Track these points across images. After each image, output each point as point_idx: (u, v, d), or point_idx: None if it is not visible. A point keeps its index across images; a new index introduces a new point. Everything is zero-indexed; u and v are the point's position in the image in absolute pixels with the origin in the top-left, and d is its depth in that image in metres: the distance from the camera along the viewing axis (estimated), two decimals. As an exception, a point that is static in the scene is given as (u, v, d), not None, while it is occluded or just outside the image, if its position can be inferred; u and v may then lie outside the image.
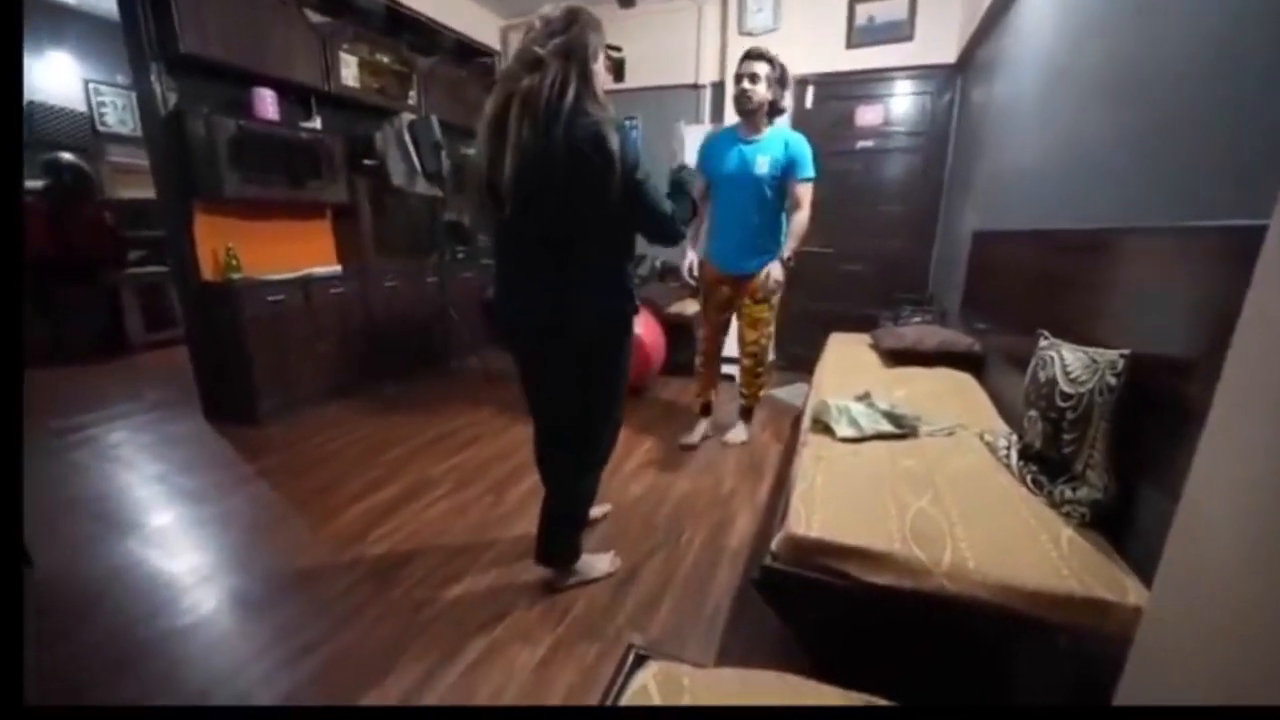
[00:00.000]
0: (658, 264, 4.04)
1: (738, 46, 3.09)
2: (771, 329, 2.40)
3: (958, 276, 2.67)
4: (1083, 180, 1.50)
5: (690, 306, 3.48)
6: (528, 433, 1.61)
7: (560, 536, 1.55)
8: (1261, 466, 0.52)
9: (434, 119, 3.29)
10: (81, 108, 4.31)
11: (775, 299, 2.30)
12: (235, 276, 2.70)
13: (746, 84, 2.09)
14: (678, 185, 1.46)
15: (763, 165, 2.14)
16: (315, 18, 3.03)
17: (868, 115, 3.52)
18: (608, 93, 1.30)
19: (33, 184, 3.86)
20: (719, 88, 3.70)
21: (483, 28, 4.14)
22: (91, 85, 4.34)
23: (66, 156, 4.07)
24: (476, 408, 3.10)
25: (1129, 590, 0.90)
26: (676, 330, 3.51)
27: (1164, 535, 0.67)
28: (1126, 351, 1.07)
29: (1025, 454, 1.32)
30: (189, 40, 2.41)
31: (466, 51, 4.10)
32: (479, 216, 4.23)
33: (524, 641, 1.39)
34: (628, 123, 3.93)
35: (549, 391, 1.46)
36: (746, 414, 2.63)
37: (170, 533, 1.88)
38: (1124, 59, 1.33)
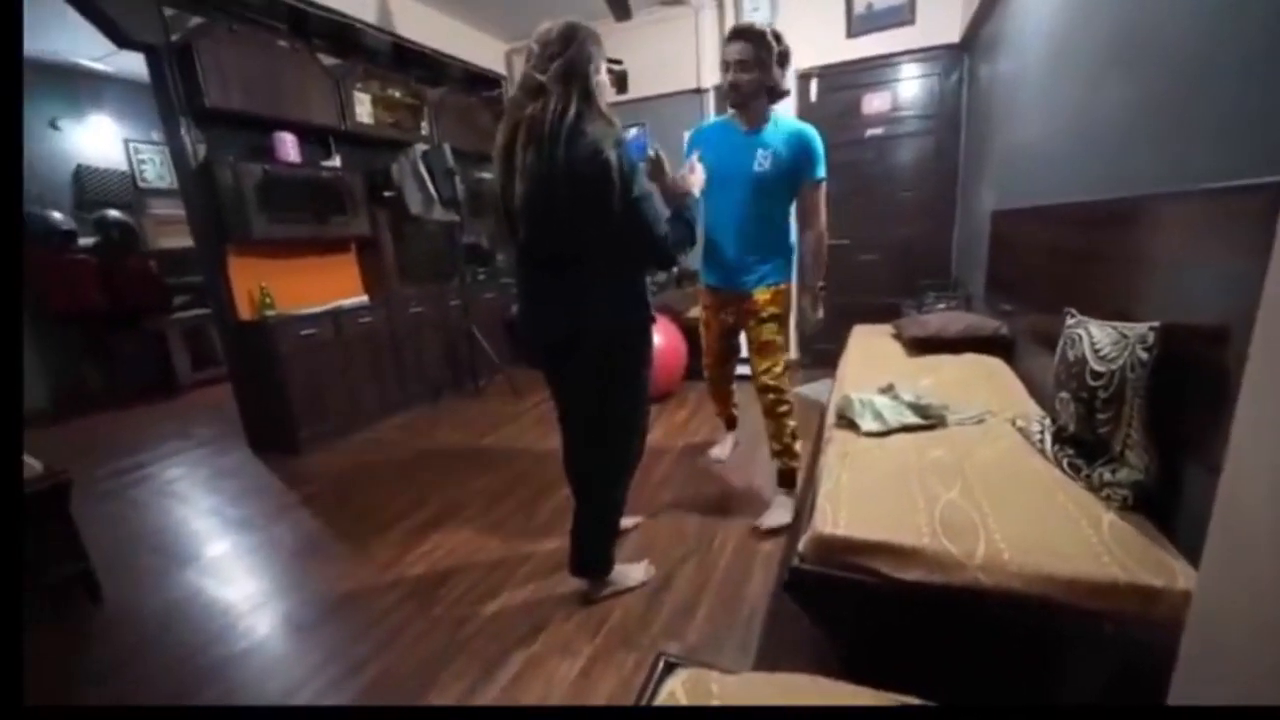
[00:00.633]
0: (674, 270, 4.05)
1: (737, 47, 3.09)
2: (787, 355, 1.98)
3: (980, 259, 2.60)
4: (1099, 150, 1.44)
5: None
6: (556, 447, 1.64)
7: (593, 547, 1.57)
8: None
9: (446, 147, 3.40)
10: (123, 166, 4.59)
11: (791, 318, 2.00)
12: (270, 314, 2.83)
13: (734, 73, 1.73)
14: (679, 214, 1.40)
15: (763, 161, 1.78)
16: (328, 60, 3.18)
17: (875, 102, 3.47)
18: (612, 105, 1.33)
19: (85, 241, 4.14)
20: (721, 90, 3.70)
21: (487, 54, 4.25)
22: (131, 144, 4.62)
23: (113, 213, 4.33)
24: (504, 425, 3.16)
25: (1178, 574, 0.86)
26: (696, 335, 3.49)
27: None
28: (1156, 324, 1.02)
29: (1060, 437, 1.27)
30: (213, 94, 2.56)
31: (473, 79, 4.22)
32: (499, 239, 4.37)
33: (563, 653, 1.41)
34: (636, 129, 4.00)
35: (572, 404, 1.52)
36: (787, 480, 1.99)
37: (224, 562, 1.97)
38: (1136, 23, 1.29)
